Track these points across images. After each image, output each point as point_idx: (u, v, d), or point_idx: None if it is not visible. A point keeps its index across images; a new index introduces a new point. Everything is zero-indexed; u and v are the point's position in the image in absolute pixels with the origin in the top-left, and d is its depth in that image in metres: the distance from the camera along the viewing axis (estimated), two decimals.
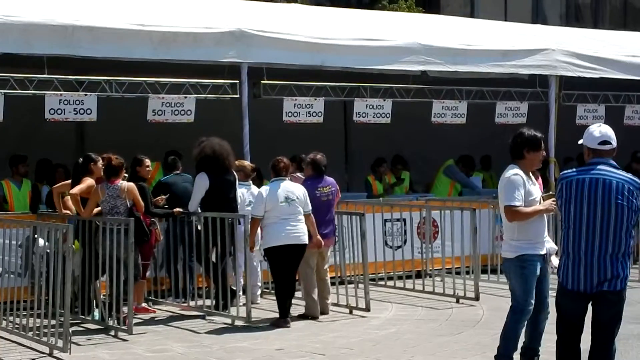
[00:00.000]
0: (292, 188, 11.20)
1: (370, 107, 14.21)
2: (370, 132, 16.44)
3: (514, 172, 7.76)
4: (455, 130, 15.67)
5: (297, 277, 11.51)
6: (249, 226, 11.09)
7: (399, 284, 13.43)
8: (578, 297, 6.70)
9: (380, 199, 15.00)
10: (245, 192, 12.12)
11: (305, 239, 11.12)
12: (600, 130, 6.91)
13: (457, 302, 12.32)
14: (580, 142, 6.97)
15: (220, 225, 11.12)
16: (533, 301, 7.85)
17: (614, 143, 6.91)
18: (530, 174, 7.96)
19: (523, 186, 7.71)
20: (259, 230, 11.30)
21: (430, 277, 13.32)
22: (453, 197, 15.57)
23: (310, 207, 11.22)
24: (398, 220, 14.10)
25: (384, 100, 14.30)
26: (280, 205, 11.00)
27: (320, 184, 11.51)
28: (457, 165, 16.28)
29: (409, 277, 13.49)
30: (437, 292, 12.74)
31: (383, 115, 14.30)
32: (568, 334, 6.80)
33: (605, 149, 6.85)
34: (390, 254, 13.78)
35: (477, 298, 12.26)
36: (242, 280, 11.82)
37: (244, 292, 11.41)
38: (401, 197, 15.36)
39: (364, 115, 14.21)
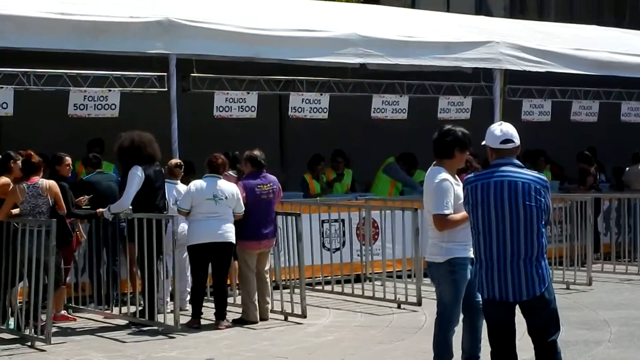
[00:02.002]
0: (224, 186, 11.25)
1: (307, 101, 14.16)
2: (307, 128, 16.44)
3: (442, 177, 7.63)
4: (396, 126, 15.68)
5: (228, 280, 11.45)
6: (177, 227, 11.03)
7: (337, 288, 13.38)
8: (499, 305, 6.67)
9: (318, 198, 14.98)
10: (172, 190, 11.99)
11: (231, 237, 11.17)
12: (501, 129, 6.87)
13: (399, 307, 12.30)
14: (483, 143, 6.93)
15: (148, 226, 10.94)
16: (461, 308, 7.78)
17: (517, 141, 6.86)
18: (455, 175, 7.84)
19: (452, 192, 7.61)
20: (186, 227, 11.36)
21: (370, 281, 13.27)
22: (394, 197, 15.55)
23: (242, 209, 11.24)
24: (336, 221, 14.05)
25: (321, 94, 14.27)
26: (206, 201, 11.09)
27: (260, 181, 11.48)
28: (398, 163, 16.29)
29: (347, 281, 13.50)
30: (378, 297, 12.72)
31: (320, 110, 14.26)
32: (500, 342, 6.75)
33: (508, 147, 6.81)
34: (328, 257, 13.69)
35: (419, 303, 12.21)
36: (170, 285, 11.69)
37: (172, 298, 11.25)
38: (339, 197, 15.34)
39: (300, 110, 14.16)
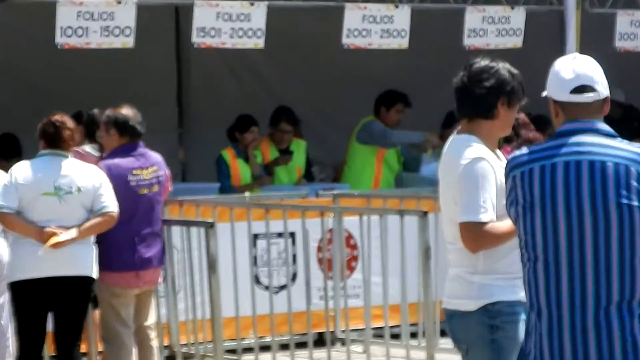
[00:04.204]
0: (72, 171, 11.36)
1: (226, 17, 14.16)
2: (225, 68, 16.52)
3: (476, 154, 7.72)
4: (389, 63, 15.61)
5: (82, 345, 11.77)
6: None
7: (283, 357, 13.29)
8: None
9: (246, 193, 15.03)
10: None
11: (88, 268, 11.22)
12: (574, 69, 6.79)
13: None
14: (544, 94, 6.87)
15: None
16: None
17: (604, 89, 6.76)
18: (497, 149, 7.89)
19: (493, 181, 7.69)
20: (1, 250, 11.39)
21: (343, 344, 13.48)
22: (384, 190, 15.65)
23: (111, 204, 11.32)
24: (281, 235, 13.97)
25: (252, 4, 14.24)
26: (42, 199, 11.20)
27: (136, 162, 11.68)
28: (378, 114, 16.43)
29: (301, 344, 13.53)
30: None
31: (250, 32, 14.22)
32: None
33: (586, 100, 6.74)
34: (266, 302, 13.65)
35: None
36: None
37: None
38: (287, 190, 15.41)
39: (213, 33, 14.17)
